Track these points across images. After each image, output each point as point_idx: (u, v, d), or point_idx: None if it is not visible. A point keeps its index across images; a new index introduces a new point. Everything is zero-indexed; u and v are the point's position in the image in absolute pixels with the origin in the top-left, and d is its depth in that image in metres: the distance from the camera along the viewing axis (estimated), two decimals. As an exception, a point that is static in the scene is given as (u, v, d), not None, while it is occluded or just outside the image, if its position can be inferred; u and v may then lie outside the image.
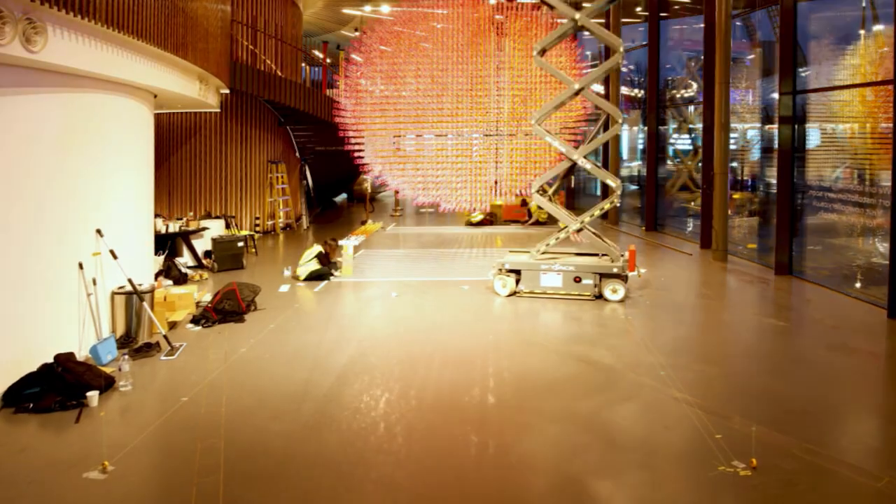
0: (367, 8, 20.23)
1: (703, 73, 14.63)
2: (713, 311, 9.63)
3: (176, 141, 15.71)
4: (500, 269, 10.19)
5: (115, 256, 7.75)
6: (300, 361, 7.35)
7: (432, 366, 7.21)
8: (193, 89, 10.66)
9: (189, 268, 11.97)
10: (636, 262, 10.34)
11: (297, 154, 18.61)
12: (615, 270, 9.68)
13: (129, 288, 7.86)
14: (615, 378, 6.74)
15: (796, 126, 11.29)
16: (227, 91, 14.18)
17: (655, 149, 17.28)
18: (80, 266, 7.26)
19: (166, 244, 11.67)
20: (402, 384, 6.70)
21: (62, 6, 6.03)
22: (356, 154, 13.00)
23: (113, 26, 6.98)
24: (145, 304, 7.94)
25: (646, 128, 17.55)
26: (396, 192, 15.89)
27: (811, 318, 9.07)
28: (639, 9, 18.61)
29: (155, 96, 9.74)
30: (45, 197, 6.81)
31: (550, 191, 11.36)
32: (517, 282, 10.11)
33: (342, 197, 24.86)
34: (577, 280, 9.76)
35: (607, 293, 9.69)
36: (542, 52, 10.42)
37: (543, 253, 10.37)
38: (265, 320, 8.91)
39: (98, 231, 7.62)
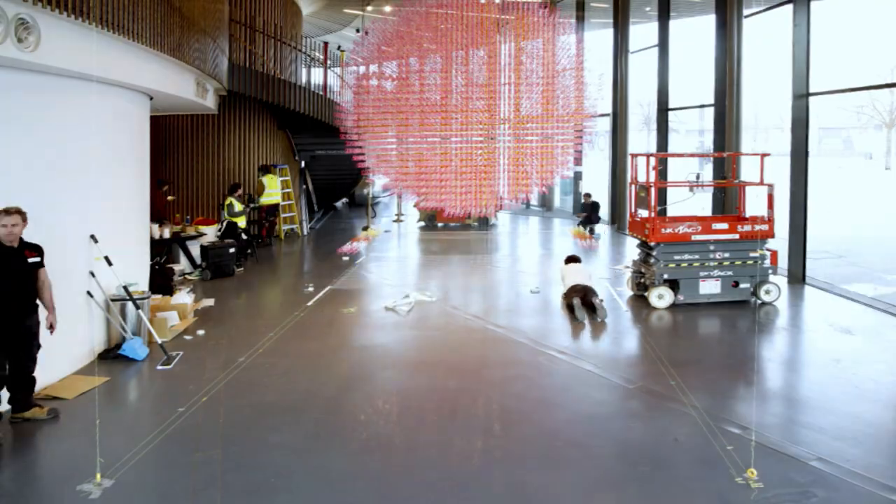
0: (370, 8, 20.04)
1: (715, 74, 14.38)
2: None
3: (173, 144, 15.43)
4: (652, 282, 9.65)
5: (109, 263, 7.51)
6: (300, 371, 7.16)
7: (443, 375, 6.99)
8: (190, 91, 10.43)
9: (184, 275, 11.70)
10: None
11: (297, 158, 18.36)
12: (770, 271, 9.74)
13: (124, 295, 7.63)
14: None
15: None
16: (225, 93, 13.93)
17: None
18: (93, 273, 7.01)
19: (163, 250, 11.41)
20: (404, 394, 6.52)
21: (56, 6, 5.81)
22: (357, 157, 12.73)
23: (108, 27, 6.76)
24: (141, 312, 7.71)
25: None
26: (399, 195, 15.63)
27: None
28: (648, 8, 18.36)
29: (151, 98, 9.52)
30: (38, 201, 6.55)
31: None
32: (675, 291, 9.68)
33: (343, 201, 24.64)
34: (735, 285, 9.69)
35: (762, 295, 9.69)
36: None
37: None
38: (264, 329, 8.66)
39: (92, 237, 7.38)
